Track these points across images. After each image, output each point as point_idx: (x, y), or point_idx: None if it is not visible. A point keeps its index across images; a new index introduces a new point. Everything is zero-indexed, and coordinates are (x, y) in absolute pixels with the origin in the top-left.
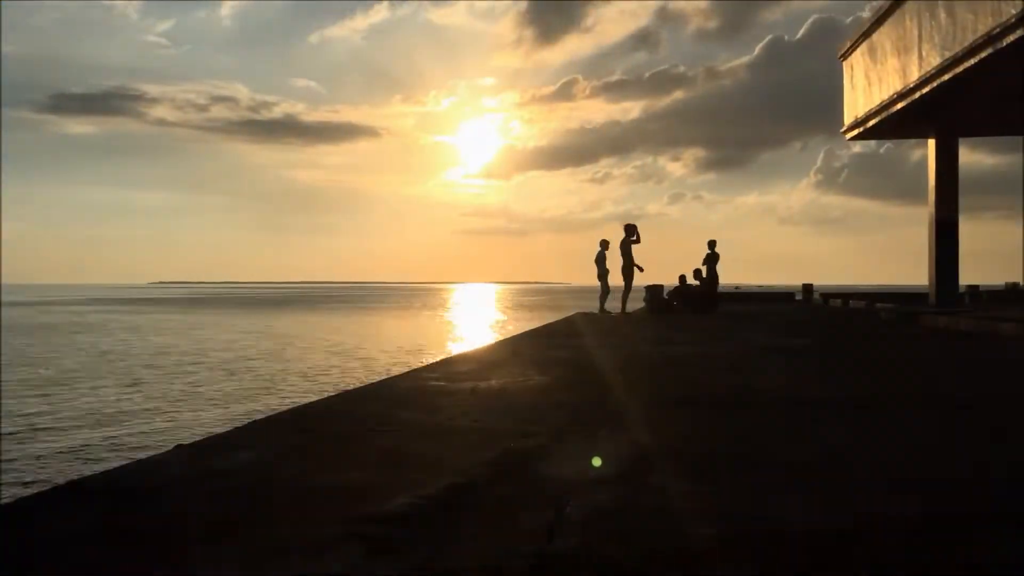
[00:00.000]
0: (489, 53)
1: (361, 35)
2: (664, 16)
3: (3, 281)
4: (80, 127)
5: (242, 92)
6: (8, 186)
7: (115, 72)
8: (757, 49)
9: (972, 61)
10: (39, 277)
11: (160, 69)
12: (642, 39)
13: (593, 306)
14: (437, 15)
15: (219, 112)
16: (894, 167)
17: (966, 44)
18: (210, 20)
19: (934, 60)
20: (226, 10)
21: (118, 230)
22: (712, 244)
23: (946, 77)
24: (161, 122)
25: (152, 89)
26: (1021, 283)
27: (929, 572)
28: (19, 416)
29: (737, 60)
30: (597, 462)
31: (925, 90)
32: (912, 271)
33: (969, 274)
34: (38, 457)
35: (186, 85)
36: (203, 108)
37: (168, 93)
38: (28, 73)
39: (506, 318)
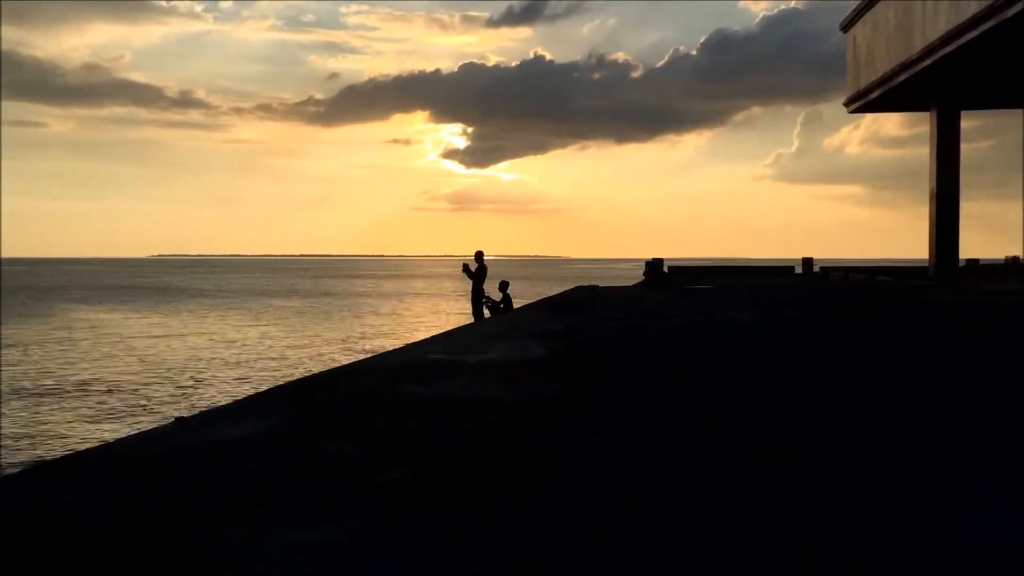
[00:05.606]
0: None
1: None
2: None
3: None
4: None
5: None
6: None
7: None
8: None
9: (975, 32)
10: (32, 251)
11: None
12: None
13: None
14: None
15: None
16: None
17: (970, 15)
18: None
19: (937, 31)
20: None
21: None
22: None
23: (949, 49)
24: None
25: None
26: (1021, 257)
27: None
28: None
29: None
30: None
31: (927, 62)
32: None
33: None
34: None
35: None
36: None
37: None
38: None
39: None
